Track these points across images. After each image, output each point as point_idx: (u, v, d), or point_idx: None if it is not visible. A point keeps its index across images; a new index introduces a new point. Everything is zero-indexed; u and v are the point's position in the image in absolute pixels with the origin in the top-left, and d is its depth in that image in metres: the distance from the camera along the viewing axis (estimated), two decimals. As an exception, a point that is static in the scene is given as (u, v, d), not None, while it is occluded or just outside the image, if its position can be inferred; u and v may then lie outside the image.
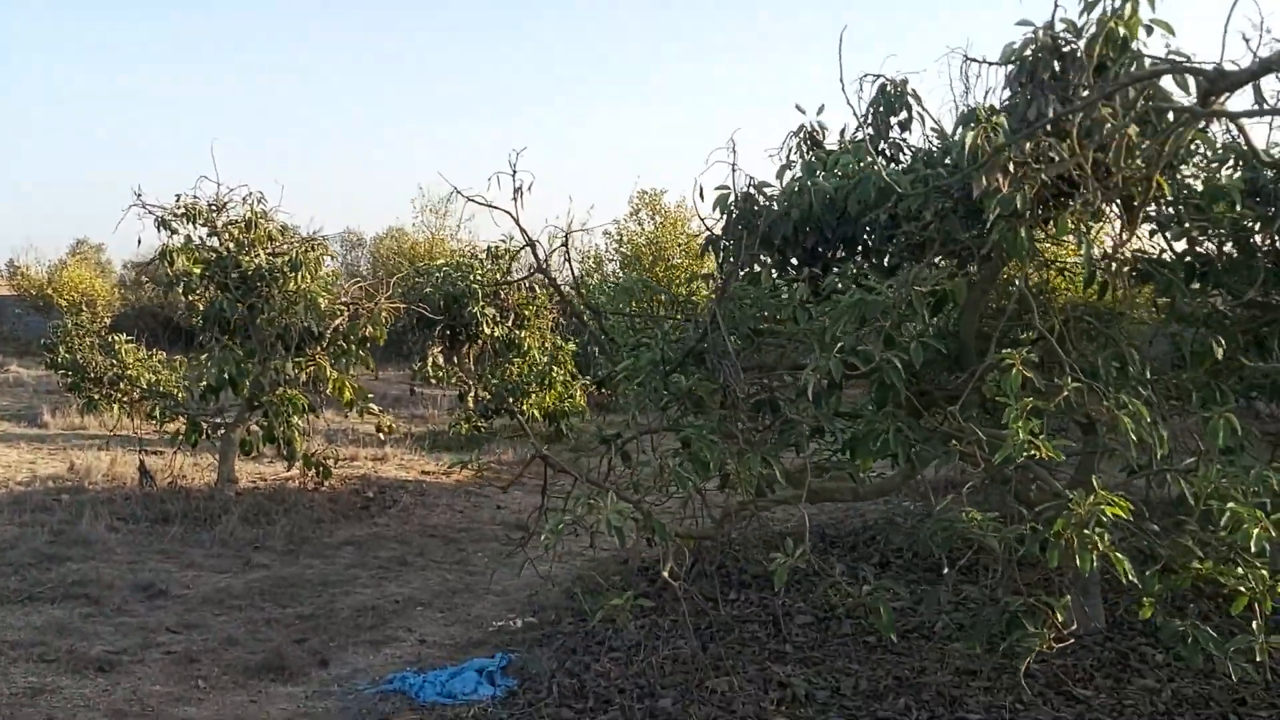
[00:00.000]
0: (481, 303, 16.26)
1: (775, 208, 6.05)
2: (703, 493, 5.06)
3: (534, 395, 15.81)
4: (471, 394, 16.93)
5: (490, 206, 5.87)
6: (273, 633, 7.13)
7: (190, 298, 10.78)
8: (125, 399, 19.32)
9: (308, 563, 8.93)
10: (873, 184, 5.87)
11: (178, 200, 10.45)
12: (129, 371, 19.47)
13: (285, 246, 10.78)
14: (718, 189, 6.39)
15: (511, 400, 15.89)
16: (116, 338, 20.09)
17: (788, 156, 7.46)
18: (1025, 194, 4.71)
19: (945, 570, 5.71)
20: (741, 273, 7.17)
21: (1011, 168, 4.64)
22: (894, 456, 5.40)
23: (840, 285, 5.60)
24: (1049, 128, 4.87)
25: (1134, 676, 5.81)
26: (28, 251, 44.10)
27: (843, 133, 7.77)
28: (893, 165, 6.76)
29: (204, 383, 10.91)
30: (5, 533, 9.52)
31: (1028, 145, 4.73)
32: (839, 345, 4.95)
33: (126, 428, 18.23)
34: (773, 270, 6.24)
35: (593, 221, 33.46)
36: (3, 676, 6.09)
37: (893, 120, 7.88)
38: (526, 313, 16.71)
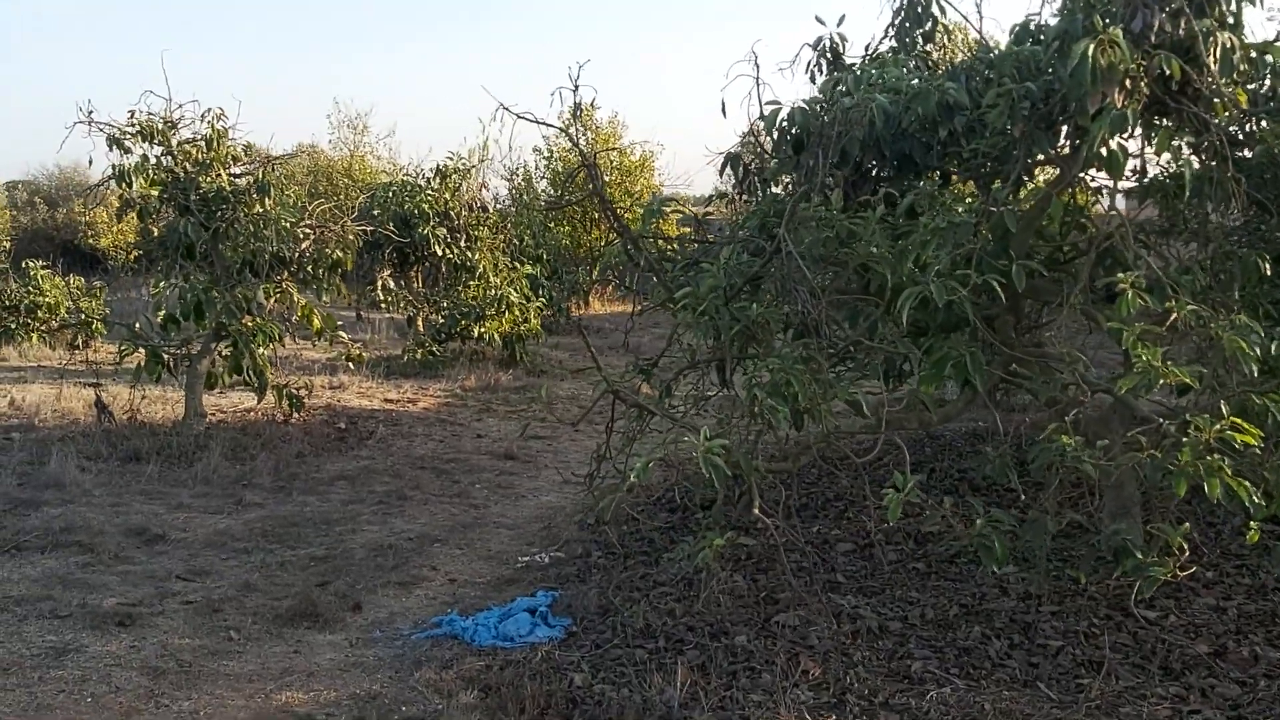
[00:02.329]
0: (432, 223, 15.69)
1: (833, 125, 5.77)
2: (793, 425, 4.84)
3: (490, 319, 15.38)
4: (421, 318, 16.44)
5: (541, 124, 5.48)
6: (290, 576, 6.78)
7: (147, 222, 10.05)
8: (44, 328, 18.36)
9: (302, 500, 8.53)
10: (934, 99, 5.64)
11: (131, 117, 9.68)
12: (46, 299, 18.50)
13: (250, 167, 10.10)
14: (769, 104, 6.09)
15: (465, 324, 15.46)
16: (31, 263, 19.01)
17: (810, 70, 7.20)
18: (1135, 109, 4.53)
19: (1022, 496, 5.63)
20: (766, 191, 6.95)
21: (1128, 83, 4.45)
22: (966, 383, 5.27)
23: (917, 206, 5.38)
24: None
25: (1191, 596, 5.85)
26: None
27: (868, 47, 7.52)
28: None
29: (163, 311, 10.28)
30: (-38, 477, 8.90)
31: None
32: (935, 269, 4.74)
33: (48, 358, 17.34)
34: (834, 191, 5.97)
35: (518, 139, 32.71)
36: (18, 635, 5.65)
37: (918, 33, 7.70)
38: (478, 234, 16.20)
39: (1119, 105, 4.45)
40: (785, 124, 6.04)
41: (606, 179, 24.97)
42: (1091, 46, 4.41)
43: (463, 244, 15.93)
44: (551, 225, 24.37)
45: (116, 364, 14.10)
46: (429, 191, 16.12)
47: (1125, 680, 4.92)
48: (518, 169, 27.03)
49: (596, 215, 25.11)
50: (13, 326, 17.98)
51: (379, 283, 15.93)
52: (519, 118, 5.42)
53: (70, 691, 5.02)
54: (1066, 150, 5.31)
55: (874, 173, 6.25)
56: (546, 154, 26.08)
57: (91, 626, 5.81)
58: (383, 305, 16.63)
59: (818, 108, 5.78)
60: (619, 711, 4.64)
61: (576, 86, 5.42)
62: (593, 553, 7.08)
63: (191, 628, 5.89)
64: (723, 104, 6.44)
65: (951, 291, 4.71)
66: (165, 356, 10.18)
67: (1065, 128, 5.36)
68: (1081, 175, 5.39)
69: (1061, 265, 6.28)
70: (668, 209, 7.02)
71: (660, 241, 6.94)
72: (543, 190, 26.67)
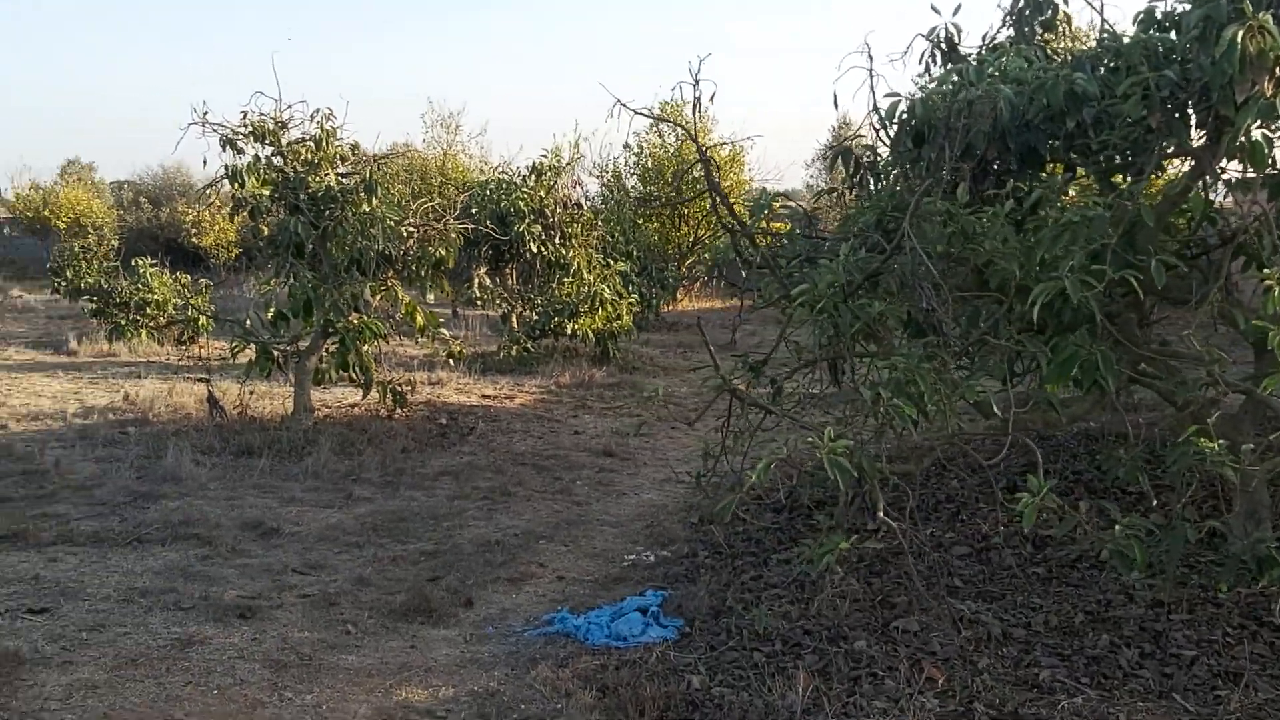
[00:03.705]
0: (527, 220, 15.77)
1: (958, 116, 5.61)
2: (915, 425, 4.71)
3: (584, 316, 15.41)
4: (515, 315, 16.55)
5: (659, 119, 5.42)
6: (401, 571, 6.85)
7: (258, 220, 10.26)
8: (153, 325, 18.93)
9: (409, 495, 8.63)
10: (1062, 89, 5.45)
11: (243, 118, 9.89)
12: (154, 296, 19.06)
13: (356, 166, 10.25)
14: (886, 96, 5.95)
15: (559, 321, 15.51)
16: (140, 261, 19.60)
17: (924, 61, 7.03)
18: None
19: (1154, 503, 5.42)
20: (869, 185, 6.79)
21: (1278, 70, 4.23)
22: (1096, 384, 5.09)
23: (1045, 200, 5.20)
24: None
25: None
26: (21, 172, 43.04)
27: (985, 37, 7.33)
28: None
29: (273, 309, 10.49)
30: (85, 469, 9.19)
31: None
32: (1069, 265, 4.58)
33: (157, 354, 17.85)
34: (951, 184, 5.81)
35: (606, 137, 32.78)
36: (144, 627, 5.79)
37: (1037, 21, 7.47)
38: (572, 231, 16.24)
39: (1268, 94, 4.24)
40: (904, 116, 5.90)
41: (697, 174, 24.95)
42: (1240, 32, 4.21)
43: (557, 241, 15.99)
44: (641, 222, 24.35)
45: (222, 360, 14.49)
46: (524, 189, 16.21)
47: (1265, 692, 4.71)
48: (607, 166, 27.09)
49: (686, 211, 25.10)
50: (123, 323, 18.57)
51: (475, 280, 16.07)
52: (636, 114, 5.38)
53: (197, 683, 5.12)
54: (1203, 141, 5.09)
55: (995, 166, 6.08)
56: (637, 150, 26.08)
57: (214, 619, 5.93)
58: (478, 302, 16.78)
59: (940, 99, 5.62)
60: (740, 716, 4.58)
61: (697, 81, 5.37)
62: (699, 552, 7.02)
63: (309, 621, 5.97)
64: (834, 96, 6.35)
65: (1086, 288, 4.54)
66: (275, 353, 10.38)
67: (1200, 118, 5.15)
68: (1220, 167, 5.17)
69: (1189, 260, 6.04)
70: (776, 204, 6.91)
71: (769, 238, 6.82)
72: (632, 186, 26.68)
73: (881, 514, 4.79)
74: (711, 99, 5.45)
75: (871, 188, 6.74)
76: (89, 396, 13.13)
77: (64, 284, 23.63)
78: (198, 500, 8.26)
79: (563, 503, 8.58)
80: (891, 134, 6.13)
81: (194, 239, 31.71)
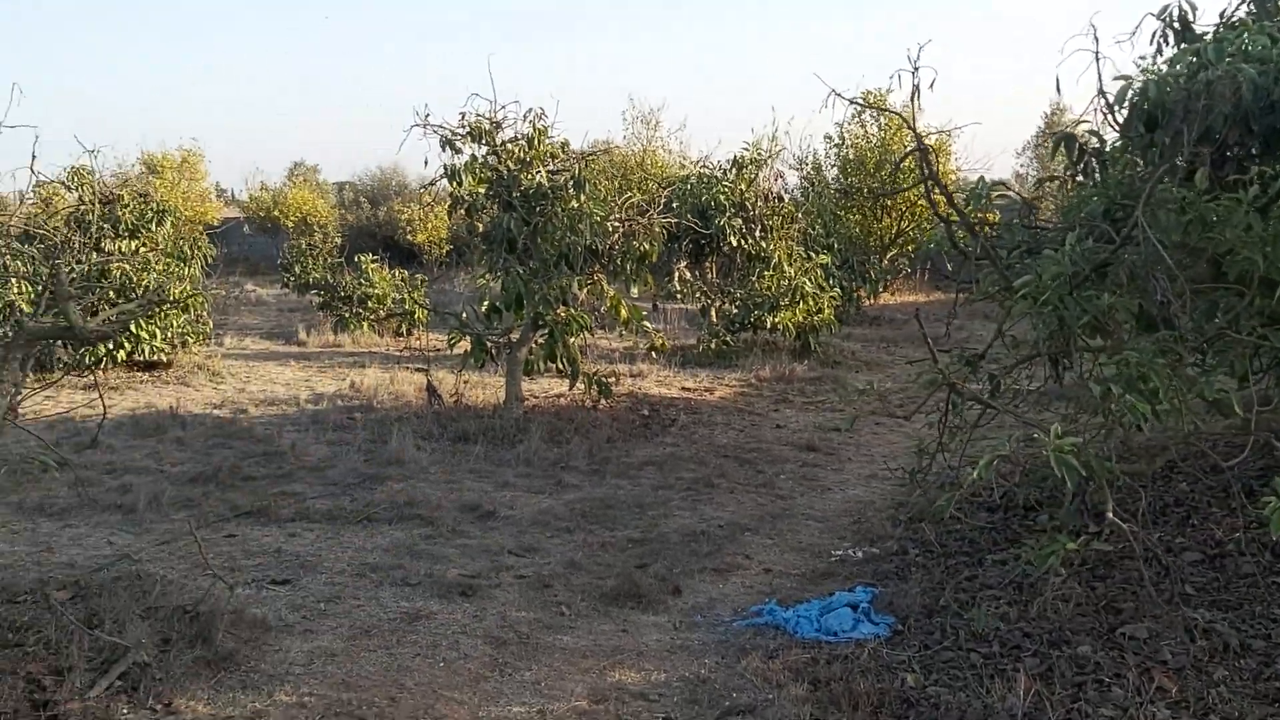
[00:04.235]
0: (728, 214, 15.82)
1: (1196, 98, 5.30)
2: (1145, 424, 4.49)
3: (784, 310, 15.33)
4: (715, 308, 16.63)
5: (879, 109, 5.35)
6: (610, 557, 7.02)
7: (474, 217, 10.70)
8: (373, 317, 20.04)
9: (615, 483, 8.83)
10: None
11: (462, 119, 10.34)
12: (375, 290, 20.16)
13: (565, 164, 10.55)
14: (1117, 78, 5.68)
15: (759, 315, 15.49)
16: (363, 258, 20.77)
17: (1155, 42, 6.67)
18: None
19: None
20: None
21: None
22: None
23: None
24: None
25: None
26: (254, 174, 46.16)
27: (1223, 14, 6.89)
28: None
29: (486, 302, 10.92)
30: (318, 451, 9.82)
31: None
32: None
33: (376, 344, 18.84)
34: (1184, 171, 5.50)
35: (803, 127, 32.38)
36: (376, 600, 6.16)
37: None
38: (772, 224, 16.18)
39: None
40: (1135, 99, 5.62)
41: (901, 164, 24.38)
42: None
43: (757, 234, 15.96)
44: (842, 214, 23.99)
45: (437, 351, 15.17)
46: (725, 183, 16.26)
47: None
48: (806, 157, 26.81)
49: (889, 203, 24.58)
50: (347, 315, 19.77)
51: (676, 274, 16.24)
52: (851, 103, 5.32)
53: (424, 655, 5.41)
54: None
55: (1236, 150, 5.71)
56: (838, 141, 25.70)
57: (438, 595, 6.25)
58: (678, 296, 16.94)
59: (1175, 81, 5.32)
60: (958, 716, 4.48)
61: (916, 68, 5.27)
62: (910, 550, 6.89)
63: (526, 601, 6.21)
64: (1057, 81, 6.09)
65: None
66: (488, 344, 10.81)
67: None
68: None
69: None
70: (994, 193, 6.69)
71: (985, 229, 6.62)
72: (833, 178, 26.32)
73: (1110, 515, 4.58)
74: (931, 86, 5.34)
75: (1097, 175, 6.45)
76: (318, 384, 14.03)
77: (292, 279, 25.29)
78: (420, 483, 8.71)
79: (766, 496, 8.59)
80: (1121, 118, 5.84)
81: (409, 236, 33.25)
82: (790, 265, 15.70)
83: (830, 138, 26.18)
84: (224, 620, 5.42)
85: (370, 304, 19.89)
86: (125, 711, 4.63)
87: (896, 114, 5.36)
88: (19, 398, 5.26)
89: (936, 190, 5.87)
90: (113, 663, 4.95)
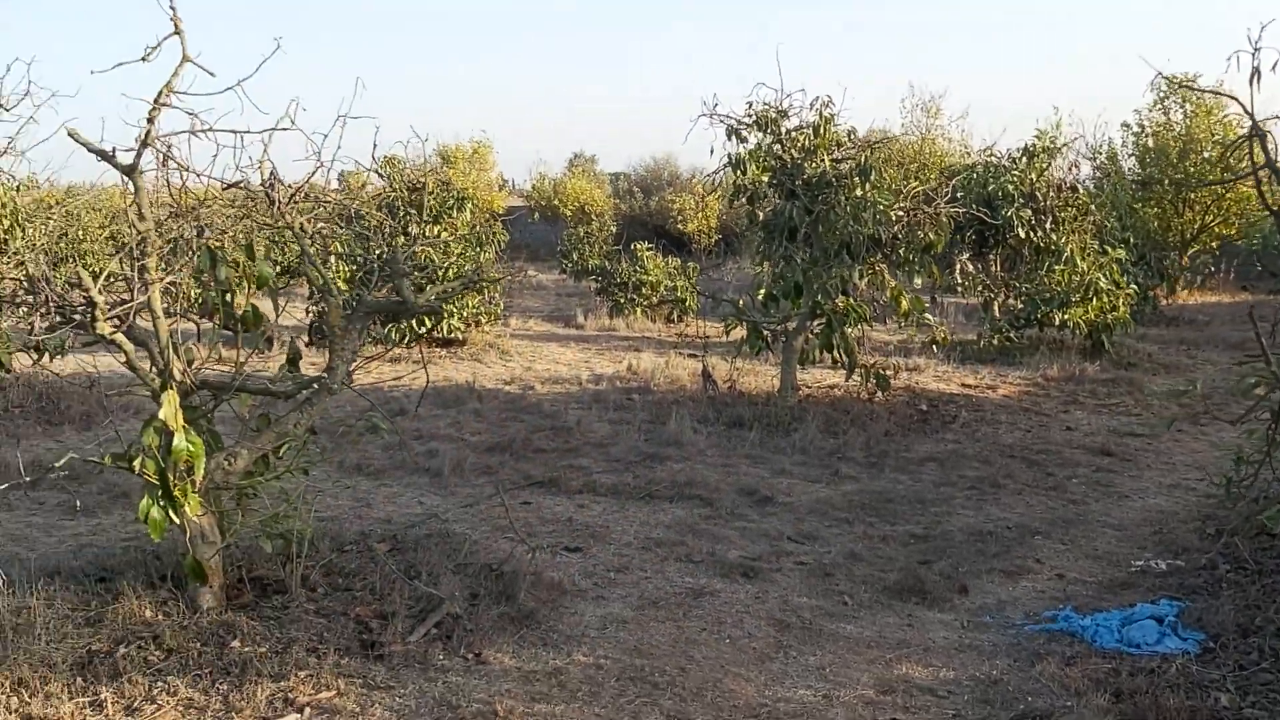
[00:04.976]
0: (1016, 204, 15.16)
1: None
2: None
3: (1075, 306, 14.52)
4: (997, 303, 15.98)
5: (1216, 94, 4.99)
6: (891, 551, 6.94)
7: (755, 206, 10.80)
8: (646, 303, 20.60)
9: (894, 477, 8.70)
10: None
11: (748, 108, 10.45)
12: (649, 277, 20.72)
13: (850, 151, 10.45)
14: None
15: (1047, 311, 14.76)
16: (638, 245, 21.37)
17: None
18: None
19: None
20: None
21: None
22: None
23: None
24: None
25: None
26: (537, 165, 48.30)
27: None
28: None
29: (763, 290, 10.99)
30: (600, 429, 10.22)
31: None
32: None
33: (648, 330, 19.35)
34: None
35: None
36: (661, 574, 6.36)
37: None
38: (1064, 216, 15.35)
39: None
40: None
41: (1206, 155, 22.54)
42: None
43: (1047, 226, 15.20)
44: (1139, 207, 22.44)
45: (706, 338, 15.42)
46: (1014, 172, 15.58)
47: None
48: (1100, 147, 25.23)
49: (1191, 196, 22.75)
50: (622, 301, 20.43)
51: (957, 266, 15.72)
52: (1182, 86, 4.96)
53: (710, 630, 5.54)
54: None
55: None
56: (1136, 129, 24.06)
57: (720, 574, 6.38)
58: (959, 289, 16.40)
59: None
60: (1284, 745, 4.15)
61: (1257, 49, 4.86)
62: (1220, 565, 6.41)
63: (807, 588, 6.24)
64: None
65: None
66: (765, 332, 10.88)
67: None
68: None
69: None
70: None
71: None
72: (1129, 168, 24.66)
73: None
74: (1274, 68, 4.90)
75: None
76: (596, 365, 14.59)
77: (570, 265, 26.39)
78: (697, 464, 8.90)
79: (1056, 500, 8.21)
80: None
81: (679, 225, 33.90)
82: (1083, 259, 14.84)
83: (1128, 126, 24.55)
84: (525, 581, 5.77)
85: (644, 290, 20.46)
86: (440, 658, 5.01)
87: (1230, 97, 4.93)
88: (354, 366, 5.79)
89: (1269, 180, 5.39)
90: (429, 612, 5.37)
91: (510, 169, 50.36)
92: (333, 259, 13.44)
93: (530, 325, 19.50)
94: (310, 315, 15.06)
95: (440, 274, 13.89)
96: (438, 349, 15.27)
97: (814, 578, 6.40)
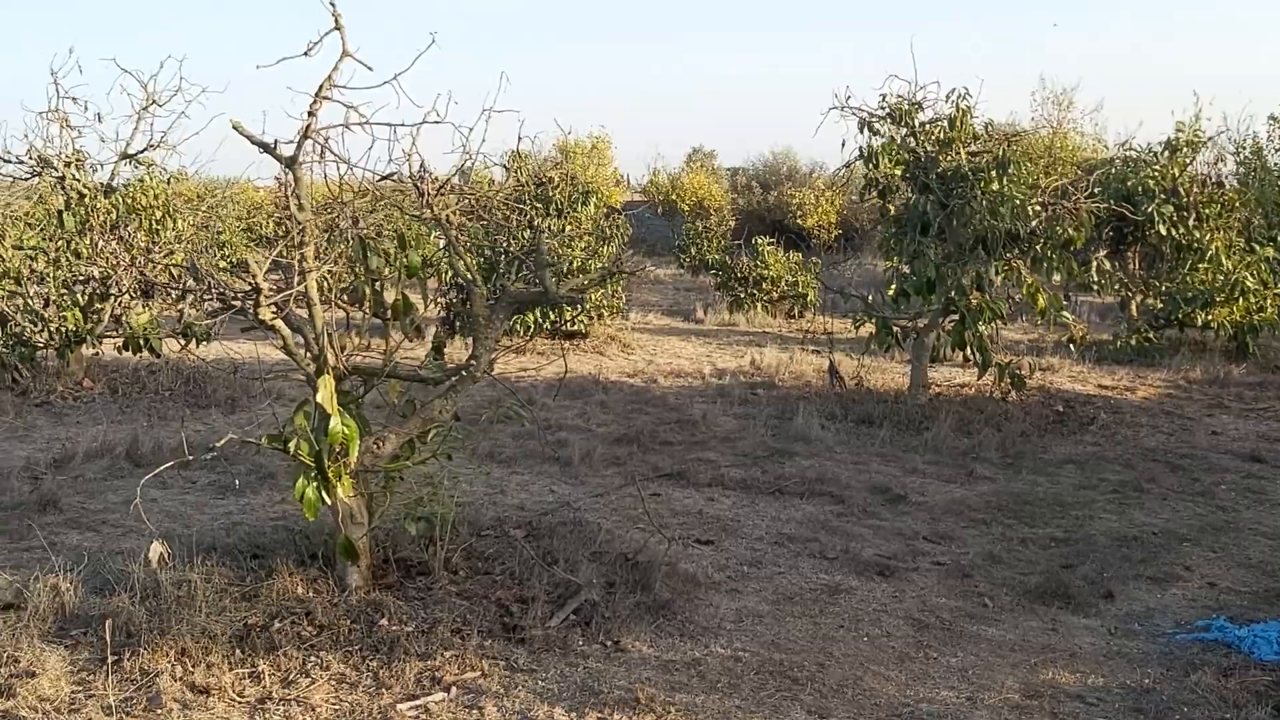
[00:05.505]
0: (1157, 200, 14.59)
1: None
2: None
3: (1220, 306, 13.92)
4: (1135, 302, 15.43)
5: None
6: (1031, 554, 6.76)
7: (887, 200, 10.64)
8: (766, 298, 20.49)
9: (1032, 479, 8.47)
10: None
11: (882, 100, 10.30)
12: (769, 273, 20.60)
13: (986, 145, 10.21)
14: None
15: (1189, 311, 14.19)
16: (759, 240, 21.24)
17: None
18: None
19: None
20: None
21: None
22: None
23: None
24: None
25: None
26: (656, 159, 48.43)
27: None
28: None
29: (894, 286, 10.82)
30: (726, 423, 10.21)
31: None
32: None
33: (769, 325, 19.24)
34: None
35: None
36: (795, 570, 6.32)
37: None
38: (1208, 212, 14.72)
39: None
40: None
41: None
42: None
43: (1190, 223, 14.60)
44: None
45: (828, 334, 15.26)
46: (1155, 167, 15.02)
47: None
48: (1244, 140, 24.08)
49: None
50: (742, 296, 20.36)
51: (1093, 263, 15.19)
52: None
53: (848, 628, 5.48)
54: None
55: None
56: (1285, 122, 22.88)
57: (855, 572, 6.31)
58: (1095, 288, 15.86)
59: None
60: None
61: None
62: (1395, 581, 6.08)
63: (945, 588, 6.12)
64: None
65: None
66: (894, 328, 10.71)
67: None
68: None
69: None
70: None
71: None
72: (1274, 163, 23.48)
73: None
74: None
75: None
76: (718, 360, 14.57)
77: (687, 259, 26.41)
78: (826, 461, 8.82)
79: (1204, 506, 7.88)
80: None
81: (798, 220, 33.60)
82: (1228, 258, 14.22)
83: (1276, 119, 23.37)
84: (660, 571, 5.79)
85: (764, 285, 20.34)
86: (580, 643, 5.07)
87: None
88: (495, 355, 5.89)
89: None
90: (568, 598, 5.44)
91: (627, 165, 50.55)
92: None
93: (649, 319, 19.59)
94: (437, 307, 15.40)
95: (566, 268, 14.06)
96: (561, 341, 15.46)
97: (952, 579, 6.28)
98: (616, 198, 37.49)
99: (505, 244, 12.76)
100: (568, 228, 15.29)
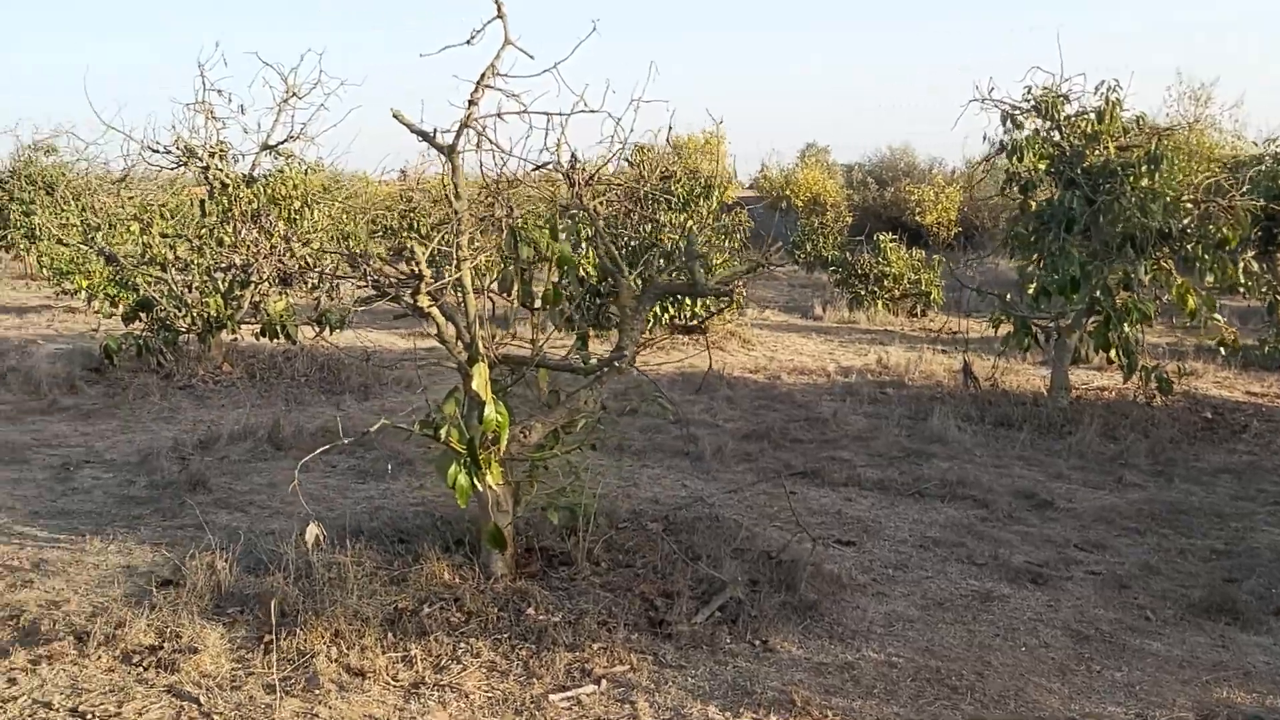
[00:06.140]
0: (1312, 200, 13.82)
1: None
2: None
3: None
4: (1285, 306, 14.64)
5: None
6: (1190, 566, 6.44)
7: (1028, 195, 10.28)
8: (888, 296, 20.10)
9: (1185, 488, 8.10)
10: None
11: (1026, 92, 9.96)
12: (891, 270, 20.19)
13: (1136, 139, 9.79)
14: None
15: (1346, 316, 13.41)
16: (881, 237, 20.83)
17: None
18: None
19: None
20: None
21: None
22: None
23: None
24: None
25: None
26: (769, 155, 48.09)
27: None
28: None
29: (1034, 284, 10.45)
30: (857, 422, 10.01)
31: None
32: None
33: (890, 323, 18.88)
34: None
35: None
36: (943, 575, 6.13)
37: None
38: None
39: None
40: None
41: None
42: None
43: (1350, 223, 13.81)
44: None
45: (953, 333, 14.88)
46: (1308, 164, 14.25)
47: None
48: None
49: None
50: (863, 293, 20.01)
51: (1240, 264, 14.49)
52: None
53: (1004, 636, 5.28)
54: None
55: None
56: None
57: (1007, 579, 6.09)
58: (1242, 290, 15.13)
59: None
60: None
61: None
62: None
63: (1102, 599, 5.86)
64: None
65: None
66: (1034, 328, 10.36)
67: None
68: None
69: None
70: None
71: None
72: None
73: None
74: None
75: None
76: (841, 357, 14.34)
77: (803, 256, 26.08)
78: (965, 464, 8.56)
79: (1377, 522, 7.43)
80: None
81: (916, 217, 32.93)
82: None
83: None
84: (805, 571, 5.67)
85: (886, 283, 19.96)
86: (728, 641, 4.98)
87: None
88: (639, 347, 5.84)
89: None
90: (712, 594, 5.37)
91: (741, 160, 50.29)
92: (583, 244, 13.76)
93: (767, 315, 19.42)
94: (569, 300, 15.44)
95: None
96: (679, 335, 15.36)
97: (1108, 589, 6.01)
98: (730, 193, 37.36)
99: (641, 236, 12.75)
100: (689, 222, 15.19)
